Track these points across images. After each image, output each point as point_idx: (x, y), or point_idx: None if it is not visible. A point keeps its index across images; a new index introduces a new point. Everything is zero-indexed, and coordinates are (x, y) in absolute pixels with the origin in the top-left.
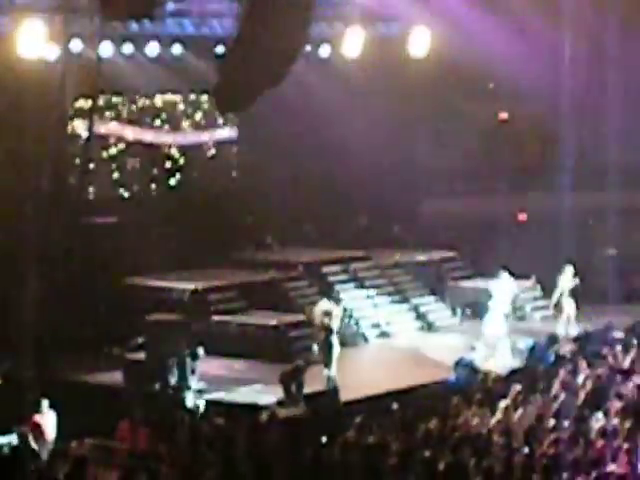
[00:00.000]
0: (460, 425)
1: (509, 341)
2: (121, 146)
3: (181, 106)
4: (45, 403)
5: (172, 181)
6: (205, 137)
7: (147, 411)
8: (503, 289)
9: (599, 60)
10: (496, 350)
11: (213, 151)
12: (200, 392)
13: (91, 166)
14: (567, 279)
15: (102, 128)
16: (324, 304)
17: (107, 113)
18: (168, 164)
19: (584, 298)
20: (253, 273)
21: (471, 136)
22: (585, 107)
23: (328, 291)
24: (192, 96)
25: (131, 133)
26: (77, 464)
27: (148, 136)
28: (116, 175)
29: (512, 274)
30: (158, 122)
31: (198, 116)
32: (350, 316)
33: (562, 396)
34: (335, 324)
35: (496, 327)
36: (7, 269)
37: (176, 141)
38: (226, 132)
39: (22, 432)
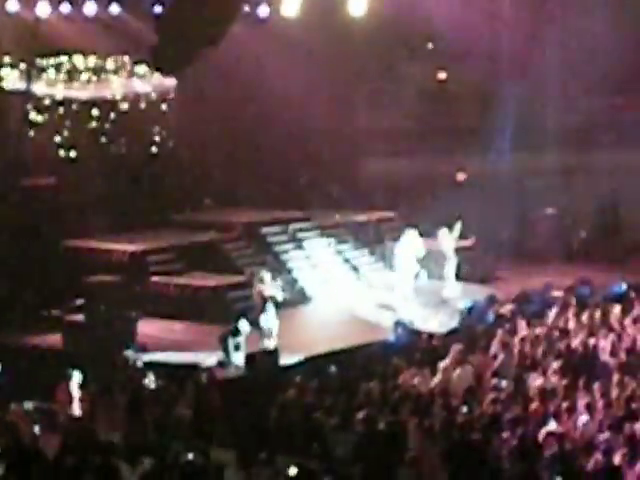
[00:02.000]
0: (400, 385)
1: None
2: (59, 107)
3: (118, 67)
4: None
5: (109, 143)
6: (142, 99)
7: (86, 373)
8: (407, 247)
9: (538, 21)
10: (433, 310)
11: (150, 112)
12: (139, 354)
13: (28, 127)
14: (449, 238)
15: (39, 88)
16: (266, 276)
17: (44, 74)
18: (106, 126)
19: (524, 258)
20: (192, 234)
21: (410, 96)
22: (523, 68)
23: (267, 252)
24: (128, 58)
25: (69, 93)
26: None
27: (85, 96)
28: (54, 136)
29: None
30: (97, 83)
31: (135, 78)
32: (290, 277)
33: (501, 356)
34: (277, 295)
35: (409, 285)
36: None
37: (113, 102)
38: (163, 93)
39: None
